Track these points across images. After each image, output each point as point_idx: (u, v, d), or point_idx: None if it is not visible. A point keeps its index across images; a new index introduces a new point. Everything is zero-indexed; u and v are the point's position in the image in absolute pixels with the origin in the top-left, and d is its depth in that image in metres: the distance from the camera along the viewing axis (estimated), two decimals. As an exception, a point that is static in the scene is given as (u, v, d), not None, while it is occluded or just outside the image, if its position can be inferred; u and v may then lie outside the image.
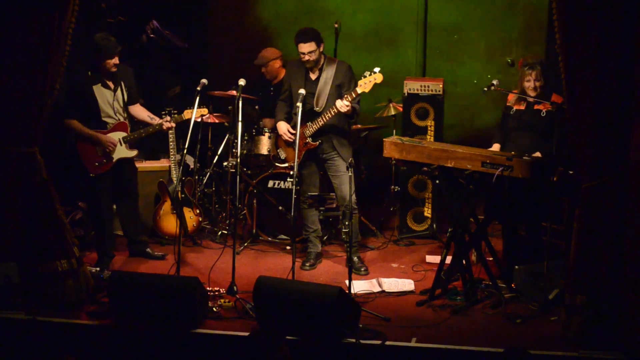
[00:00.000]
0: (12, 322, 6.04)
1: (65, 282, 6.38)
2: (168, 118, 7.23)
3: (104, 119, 7.13)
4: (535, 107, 6.93)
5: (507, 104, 7.11)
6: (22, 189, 6.28)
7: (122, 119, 7.19)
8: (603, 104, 5.61)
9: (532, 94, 6.89)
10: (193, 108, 6.92)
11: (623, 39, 5.53)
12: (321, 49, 7.17)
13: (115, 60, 7.03)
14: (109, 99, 7.12)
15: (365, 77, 6.87)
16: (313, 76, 7.25)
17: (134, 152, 7.27)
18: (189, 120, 7.00)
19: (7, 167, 6.25)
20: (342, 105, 6.94)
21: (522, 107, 6.99)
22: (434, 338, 5.90)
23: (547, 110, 6.84)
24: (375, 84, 6.87)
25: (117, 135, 7.17)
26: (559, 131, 6.47)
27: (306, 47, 7.09)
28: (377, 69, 6.86)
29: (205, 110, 7.30)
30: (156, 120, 7.28)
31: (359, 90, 6.90)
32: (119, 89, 7.15)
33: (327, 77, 7.19)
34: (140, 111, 7.34)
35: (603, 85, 5.59)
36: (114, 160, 7.16)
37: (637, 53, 5.51)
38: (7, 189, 6.27)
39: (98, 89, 7.08)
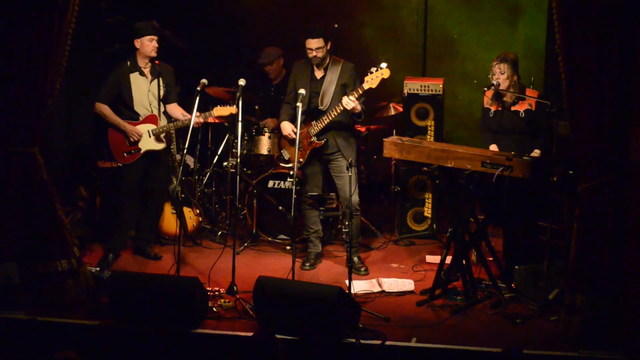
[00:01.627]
0: (12, 322, 6.03)
1: (65, 282, 6.37)
2: (198, 114, 7.14)
3: (136, 108, 7.20)
4: (513, 108, 6.92)
5: (485, 106, 7.10)
6: (22, 189, 6.28)
7: (155, 112, 7.23)
8: (603, 104, 5.61)
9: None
10: (225, 106, 7.16)
11: (623, 39, 5.53)
12: (328, 47, 7.14)
13: (155, 44, 7.15)
14: (144, 89, 7.20)
15: (371, 72, 6.81)
16: (318, 75, 7.21)
17: (161, 145, 7.28)
18: (220, 117, 7.19)
19: (7, 167, 6.25)
20: (348, 101, 6.88)
21: (499, 108, 6.99)
22: (434, 338, 5.89)
23: (525, 109, 6.85)
24: (383, 79, 6.83)
25: (146, 128, 7.21)
26: (549, 126, 6.46)
27: (314, 43, 7.05)
28: (383, 64, 6.79)
29: (234, 109, 7.03)
30: (188, 117, 7.26)
31: (365, 86, 6.83)
32: (155, 81, 7.22)
33: (332, 76, 7.15)
34: (175, 109, 7.38)
35: (603, 85, 5.59)
36: (142, 151, 7.20)
37: (637, 53, 5.51)
38: (7, 189, 6.27)
39: (135, 77, 7.19)
